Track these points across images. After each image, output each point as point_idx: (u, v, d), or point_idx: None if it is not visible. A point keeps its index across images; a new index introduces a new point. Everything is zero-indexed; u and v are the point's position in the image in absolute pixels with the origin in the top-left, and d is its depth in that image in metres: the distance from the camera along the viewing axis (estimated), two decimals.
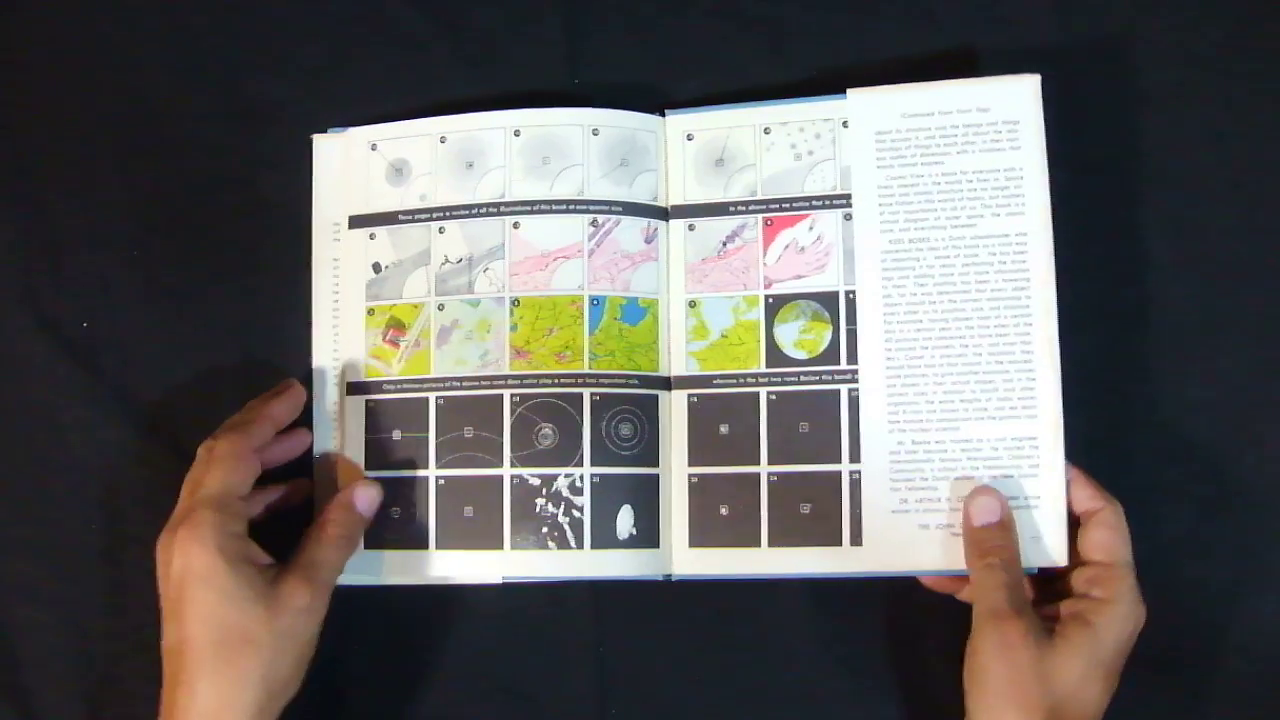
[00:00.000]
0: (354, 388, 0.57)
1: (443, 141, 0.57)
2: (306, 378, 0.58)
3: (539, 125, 0.57)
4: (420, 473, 0.56)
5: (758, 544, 0.55)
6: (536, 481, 0.55)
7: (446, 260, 0.57)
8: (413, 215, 0.57)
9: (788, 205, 0.56)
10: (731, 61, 0.59)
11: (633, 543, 0.55)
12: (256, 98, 0.60)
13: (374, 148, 0.58)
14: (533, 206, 0.56)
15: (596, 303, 0.56)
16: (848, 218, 0.55)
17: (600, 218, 0.56)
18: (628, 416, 0.55)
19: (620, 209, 0.56)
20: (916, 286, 0.54)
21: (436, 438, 0.56)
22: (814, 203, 0.56)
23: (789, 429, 0.55)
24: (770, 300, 0.56)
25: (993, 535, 0.51)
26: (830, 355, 0.55)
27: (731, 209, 0.57)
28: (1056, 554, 0.52)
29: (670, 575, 0.55)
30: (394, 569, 0.56)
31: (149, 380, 0.59)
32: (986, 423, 0.53)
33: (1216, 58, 0.57)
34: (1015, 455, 0.53)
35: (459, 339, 0.56)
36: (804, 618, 0.57)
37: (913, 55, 0.58)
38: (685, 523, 0.55)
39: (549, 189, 0.56)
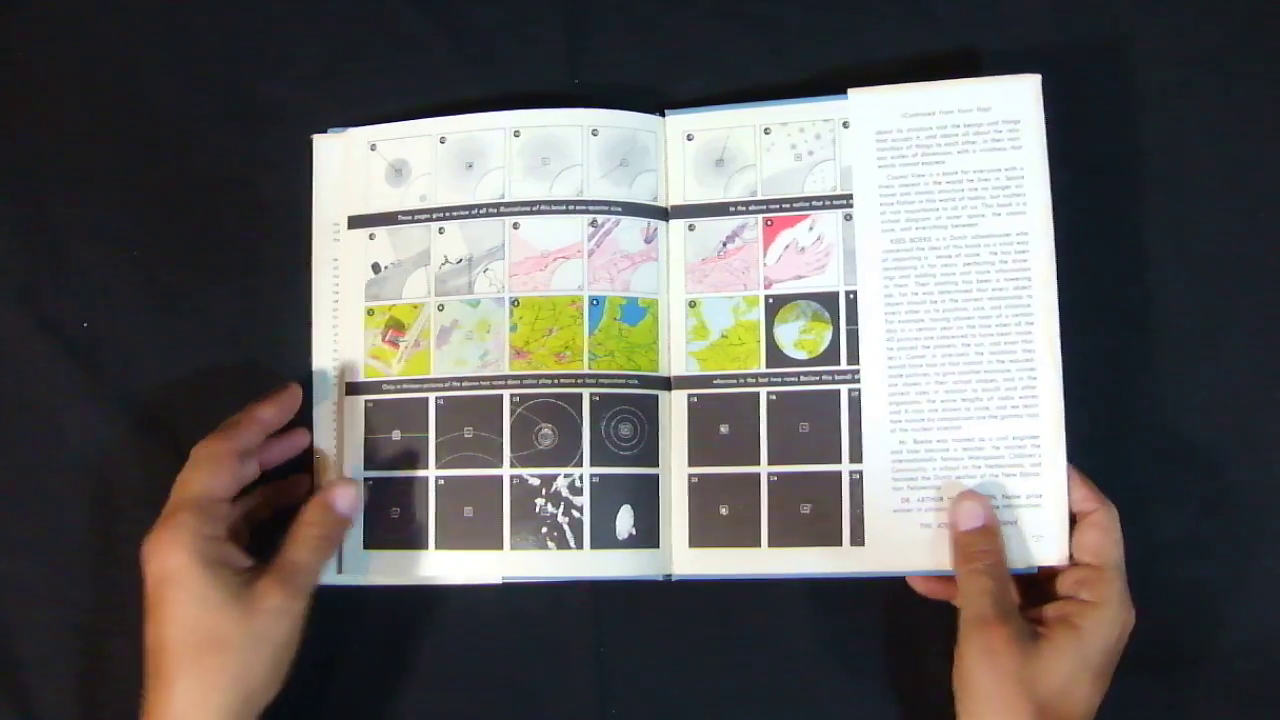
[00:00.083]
0: (353, 388, 0.57)
1: (442, 142, 0.57)
2: (306, 378, 0.57)
3: (539, 126, 0.57)
4: (420, 473, 0.56)
5: (758, 544, 0.54)
6: (536, 481, 0.55)
7: (446, 260, 0.57)
8: (412, 215, 0.57)
9: (788, 205, 0.56)
10: (731, 61, 0.59)
11: (632, 543, 0.55)
12: (256, 98, 0.60)
13: (374, 148, 0.58)
14: (532, 207, 0.56)
15: (596, 303, 0.56)
16: (848, 218, 0.55)
17: (600, 218, 0.56)
18: (627, 416, 0.55)
19: (620, 209, 0.56)
20: (918, 286, 0.54)
21: (436, 438, 0.56)
22: (814, 203, 0.56)
23: (789, 429, 0.55)
24: (770, 300, 0.56)
25: (978, 540, 0.51)
26: (830, 355, 0.55)
27: (731, 209, 0.57)
28: (1057, 553, 0.52)
29: (670, 575, 0.55)
30: (394, 569, 0.55)
31: (149, 380, 0.59)
32: (988, 422, 0.53)
33: (1216, 58, 0.57)
34: (1017, 454, 0.53)
35: (459, 339, 0.56)
36: (804, 618, 0.57)
37: (913, 55, 0.58)
38: (685, 523, 0.55)
39: (549, 189, 0.56)
